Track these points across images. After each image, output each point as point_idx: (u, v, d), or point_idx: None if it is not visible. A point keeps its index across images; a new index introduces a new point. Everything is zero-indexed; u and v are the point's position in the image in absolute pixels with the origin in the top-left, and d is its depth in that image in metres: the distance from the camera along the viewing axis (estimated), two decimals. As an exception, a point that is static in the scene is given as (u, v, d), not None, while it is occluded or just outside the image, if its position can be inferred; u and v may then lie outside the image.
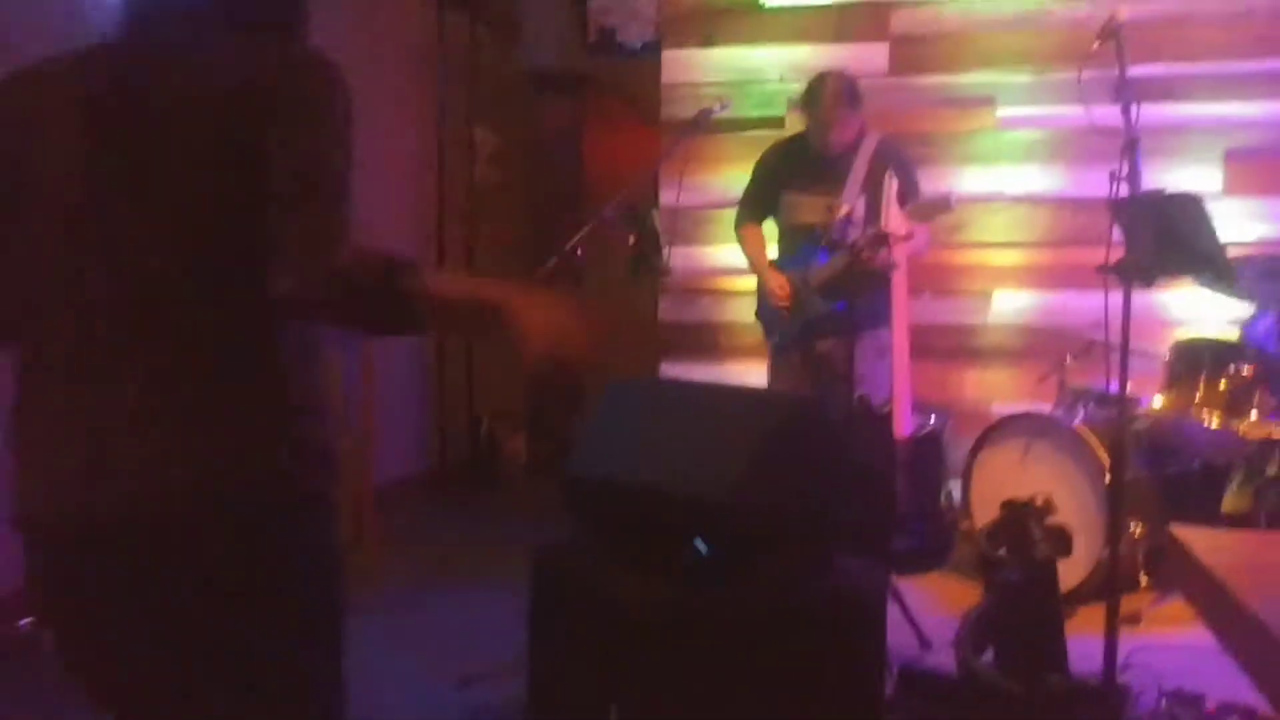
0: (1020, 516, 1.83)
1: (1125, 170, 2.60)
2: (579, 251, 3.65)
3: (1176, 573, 2.03)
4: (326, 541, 1.65)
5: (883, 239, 3.52)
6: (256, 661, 1.53)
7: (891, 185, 3.59)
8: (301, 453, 1.55)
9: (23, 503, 1.55)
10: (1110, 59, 2.98)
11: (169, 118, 1.49)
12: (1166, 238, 2.80)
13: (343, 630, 1.67)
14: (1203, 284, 4.10)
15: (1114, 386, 3.01)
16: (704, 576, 2.49)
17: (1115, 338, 2.77)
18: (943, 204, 3.81)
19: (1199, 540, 1.90)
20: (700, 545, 2.51)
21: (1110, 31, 2.88)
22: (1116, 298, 2.70)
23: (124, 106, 1.51)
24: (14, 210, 1.57)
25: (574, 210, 7.28)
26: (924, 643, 3.47)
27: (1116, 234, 2.78)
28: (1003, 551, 1.88)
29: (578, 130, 7.50)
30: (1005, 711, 2.38)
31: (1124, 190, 2.62)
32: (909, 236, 3.57)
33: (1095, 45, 2.92)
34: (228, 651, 1.51)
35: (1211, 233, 2.99)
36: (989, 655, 2.51)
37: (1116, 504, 2.76)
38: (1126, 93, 2.68)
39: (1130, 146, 2.62)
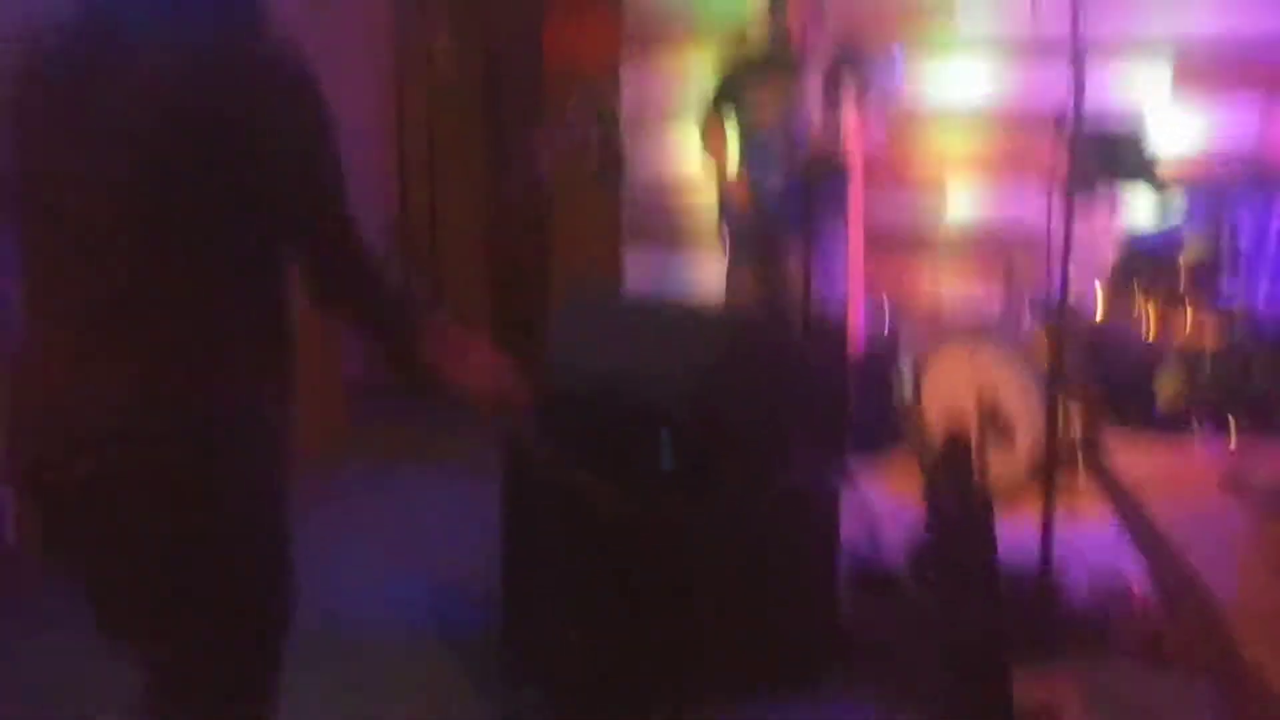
0: (961, 451, 1.95)
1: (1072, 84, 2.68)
2: (545, 162, 3.70)
3: (1101, 479, 2.20)
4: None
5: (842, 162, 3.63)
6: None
7: (848, 96, 3.67)
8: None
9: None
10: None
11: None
12: (1105, 146, 2.91)
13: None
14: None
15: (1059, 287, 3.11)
16: (667, 481, 2.63)
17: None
18: (893, 63, 3.91)
19: (1122, 451, 2.07)
20: (665, 438, 2.64)
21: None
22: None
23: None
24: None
25: (536, 104, 7.26)
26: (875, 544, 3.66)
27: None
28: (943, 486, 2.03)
29: (536, 28, 7.41)
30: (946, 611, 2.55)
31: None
32: (863, 140, 3.68)
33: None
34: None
35: (1145, 142, 3.10)
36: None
37: (1052, 410, 2.90)
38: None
39: (1078, 54, 2.70)
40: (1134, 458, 1.95)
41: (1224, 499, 1.80)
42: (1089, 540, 3.26)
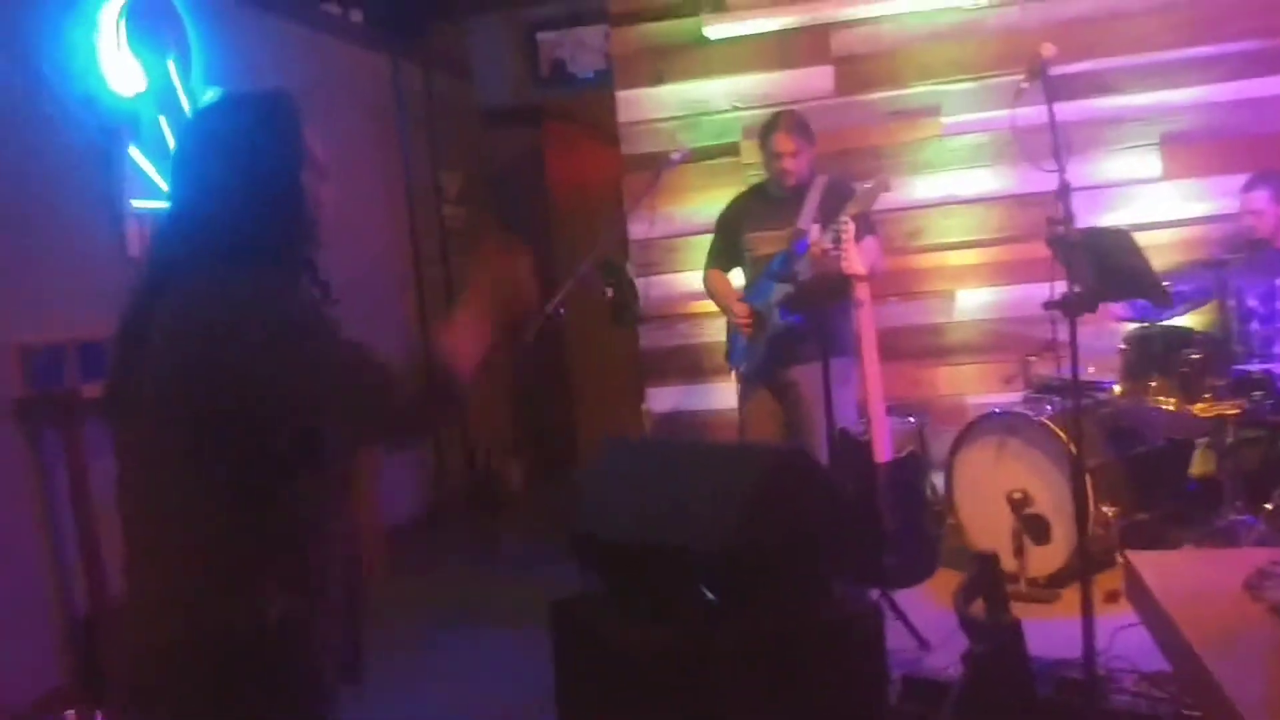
0: (992, 569, 2.01)
1: (1060, 214, 2.80)
2: (560, 310, 3.84)
3: (1131, 592, 2.26)
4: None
5: (834, 282, 3.75)
6: None
7: (849, 229, 3.80)
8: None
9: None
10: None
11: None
12: (1103, 269, 3.01)
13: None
14: (1138, 313, 4.35)
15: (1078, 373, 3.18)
16: (709, 621, 2.69)
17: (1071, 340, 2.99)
18: (878, 186, 4.04)
19: (1148, 565, 2.13)
20: (706, 592, 2.72)
21: (1036, 72, 3.07)
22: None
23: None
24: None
25: (544, 237, 7.49)
26: (924, 644, 3.70)
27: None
28: (976, 607, 2.08)
29: (539, 159, 7.70)
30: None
31: (1061, 231, 2.82)
32: (870, 276, 3.80)
33: (1024, 85, 3.11)
34: None
35: (1143, 260, 3.21)
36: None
37: (1082, 507, 2.96)
38: (1058, 135, 2.87)
39: (1064, 190, 2.83)
40: (1159, 576, 2.00)
41: (1249, 606, 1.86)
42: (1133, 635, 3.28)
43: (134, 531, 1.83)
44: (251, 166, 1.83)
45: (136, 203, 4.56)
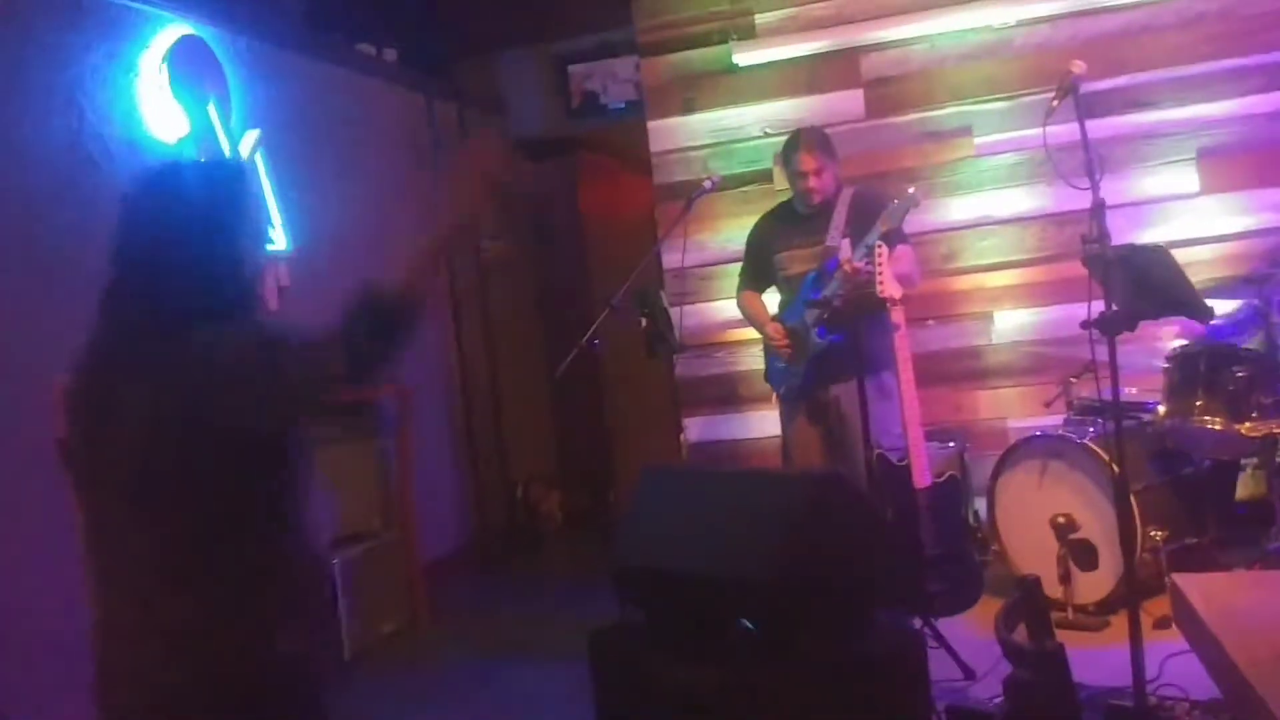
0: (1034, 593, 1.97)
1: (1095, 232, 2.77)
2: (595, 342, 3.85)
3: (1179, 616, 2.21)
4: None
5: (870, 300, 3.73)
6: None
7: (882, 253, 3.78)
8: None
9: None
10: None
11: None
12: (1141, 286, 2.98)
13: None
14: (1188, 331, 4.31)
15: (1120, 393, 3.13)
16: (751, 653, 2.67)
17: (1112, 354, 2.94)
18: (909, 201, 4.01)
19: (1195, 588, 2.09)
20: (746, 624, 2.70)
21: (1067, 89, 3.05)
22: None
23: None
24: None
25: (580, 267, 7.52)
26: (969, 674, 3.65)
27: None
28: (1019, 633, 2.04)
29: (573, 190, 7.73)
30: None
31: (1096, 249, 2.79)
32: (908, 287, 3.78)
33: (1055, 104, 3.09)
34: None
35: (1181, 276, 3.17)
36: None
37: (1128, 531, 2.91)
38: (1091, 152, 2.85)
39: (1098, 207, 2.80)
40: (1206, 599, 1.96)
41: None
42: (1183, 662, 3.22)
43: (121, 577, 1.89)
44: (196, 229, 1.92)
45: (178, 245, 4.61)
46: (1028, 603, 2.08)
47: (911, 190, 4.12)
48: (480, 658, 5.00)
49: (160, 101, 4.61)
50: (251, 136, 5.09)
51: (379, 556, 5.41)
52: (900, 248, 4.16)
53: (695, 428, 5.74)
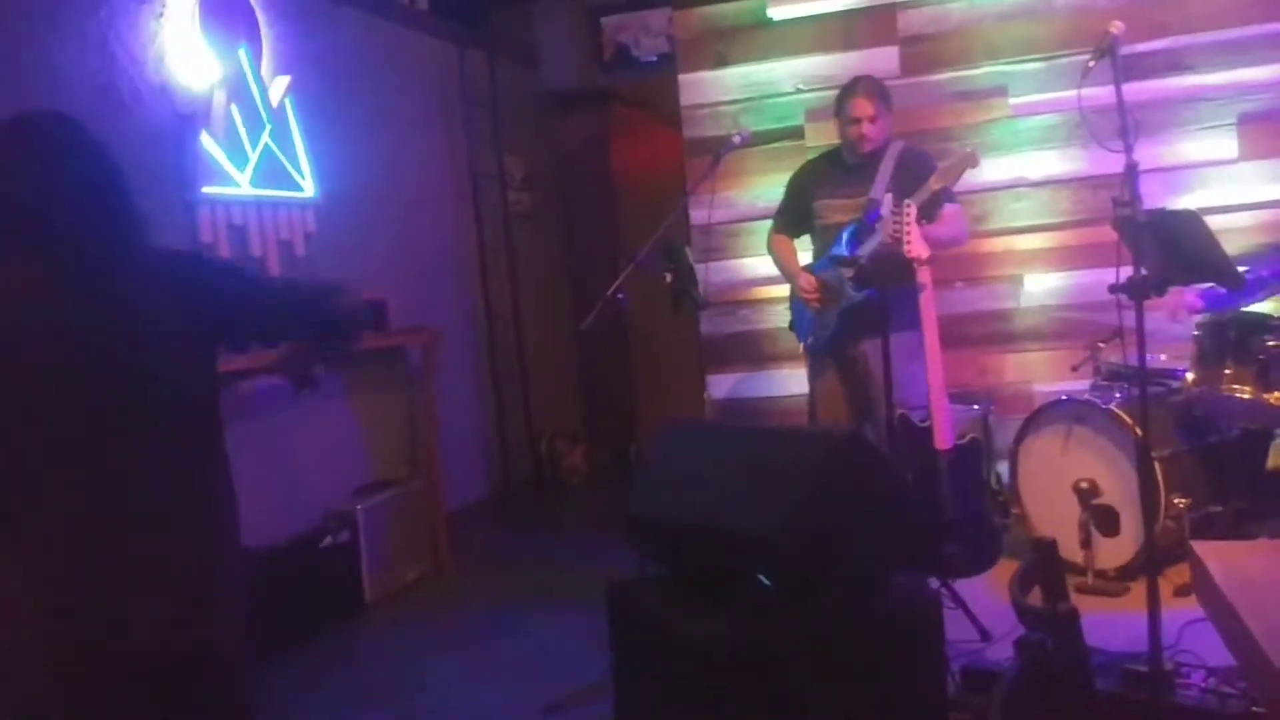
0: (1050, 555, 1.96)
1: (1126, 195, 2.73)
2: (620, 296, 3.84)
3: (1197, 584, 2.20)
4: None
5: (902, 259, 3.69)
6: None
7: (910, 212, 3.73)
8: None
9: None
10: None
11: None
12: (1172, 252, 2.93)
13: None
14: (1210, 303, 4.25)
15: (1147, 359, 3.10)
16: (766, 609, 2.68)
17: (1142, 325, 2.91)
18: (968, 160, 3.94)
19: (1213, 555, 2.07)
20: (763, 579, 2.70)
21: (1105, 50, 3.00)
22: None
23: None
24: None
25: (609, 221, 7.50)
26: (985, 636, 3.65)
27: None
28: (1033, 595, 2.03)
29: (604, 144, 7.70)
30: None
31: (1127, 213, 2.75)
32: (930, 259, 3.73)
33: (1091, 65, 3.04)
34: None
35: (1213, 242, 3.11)
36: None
37: (1150, 497, 2.89)
38: (1126, 114, 2.81)
39: (1130, 171, 2.76)
40: (1224, 568, 1.94)
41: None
42: (1203, 630, 3.21)
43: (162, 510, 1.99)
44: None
45: (208, 189, 4.64)
46: (1043, 565, 2.07)
47: (970, 149, 4.05)
48: (501, 606, 5.05)
49: (191, 46, 4.61)
50: (281, 83, 5.08)
51: (404, 504, 5.46)
52: (949, 206, 4.12)
53: (720, 385, 5.73)
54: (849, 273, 4.14)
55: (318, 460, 5.21)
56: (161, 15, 4.51)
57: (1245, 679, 1.99)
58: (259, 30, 5.03)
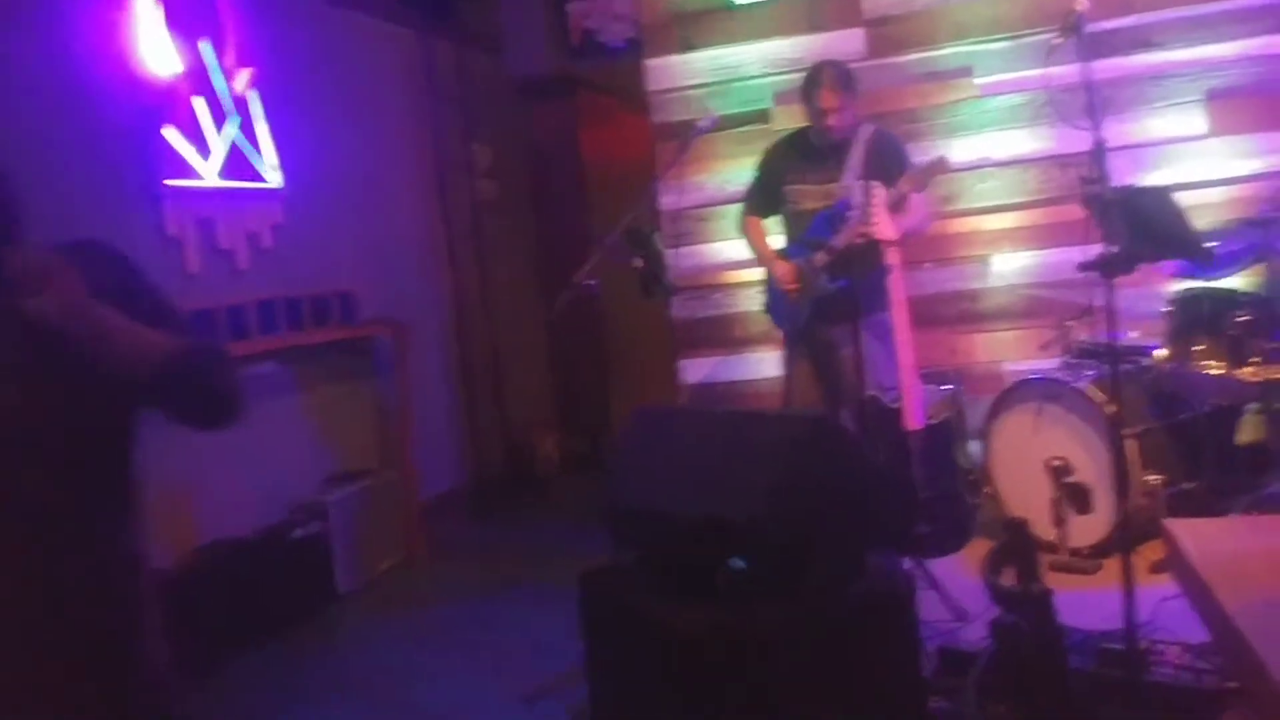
0: (1022, 535, 1.94)
1: (1094, 173, 2.73)
2: (590, 281, 3.81)
3: (1171, 561, 2.20)
4: None
5: (873, 245, 3.69)
6: None
7: (878, 194, 3.73)
8: None
9: None
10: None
11: None
12: (1142, 229, 2.93)
13: None
14: (1181, 271, 4.29)
15: (1118, 336, 3.10)
16: (741, 594, 2.67)
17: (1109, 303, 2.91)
18: (938, 166, 3.95)
19: (1187, 533, 2.07)
20: (737, 563, 2.69)
21: (1070, 28, 2.99)
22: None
23: None
24: None
25: (580, 208, 7.46)
26: (960, 616, 3.65)
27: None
28: (1006, 575, 2.02)
29: (572, 130, 7.65)
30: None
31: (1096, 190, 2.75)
32: (898, 241, 3.73)
33: (1057, 41, 3.03)
34: None
35: (1183, 219, 3.12)
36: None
37: (1121, 474, 2.90)
38: (1093, 92, 2.80)
39: (1098, 148, 2.75)
40: (1197, 545, 1.94)
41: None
42: (1177, 607, 3.22)
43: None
44: None
45: (173, 182, 4.58)
46: (1015, 545, 2.06)
47: (942, 155, 4.04)
48: (475, 596, 5.04)
49: (154, 38, 4.55)
50: (246, 74, 5.02)
51: (376, 494, 5.43)
52: (917, 196, 4.11)
53: (693, 369, 5.71)
54: (823, 259, 4.15)
55: (287, 452, 5.18)
56: (123, 7, 4.44)
57: (1219, 655, 1.99)
58: (222, 21, 4.97)
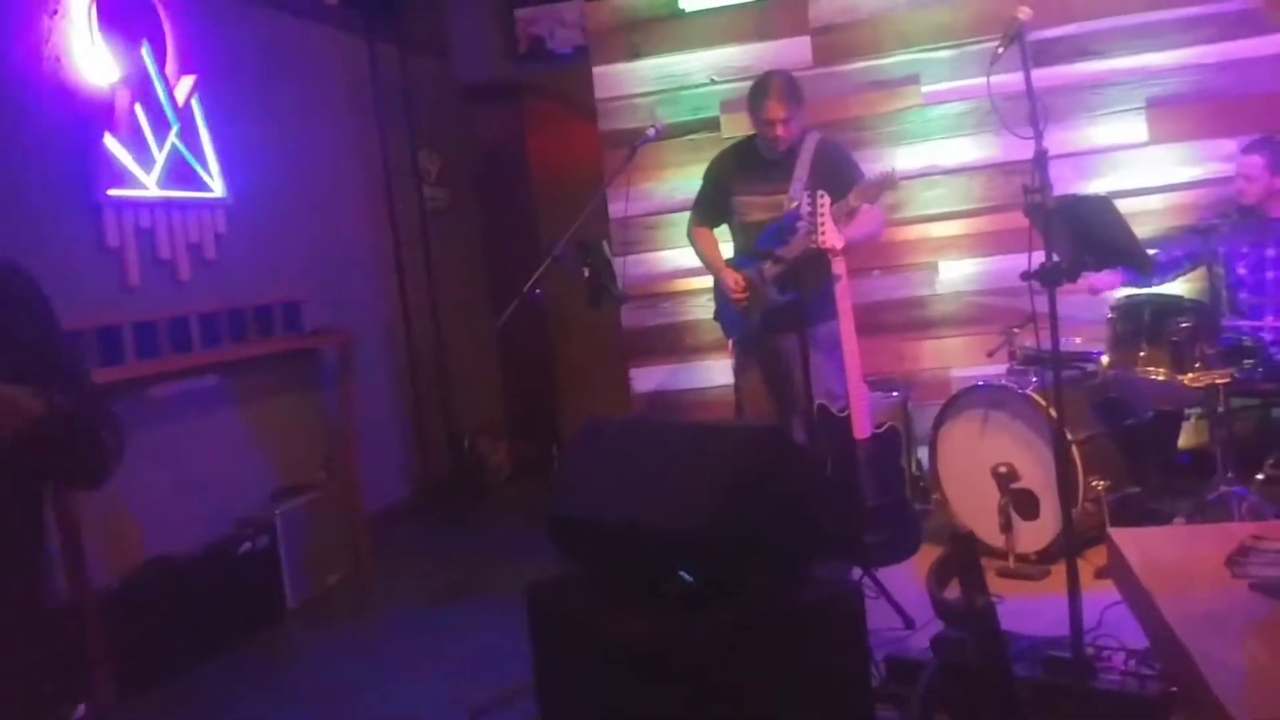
0: (967, 549, 1.95)
1: (1036, 182, 2.74)
2: (537, 290, 3.79)
3: (1115, 570, 2.22)
4: None
5: (821, 255, 3.69)
6: None
7: (824, 203, 3.74)
8: None
9: None
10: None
11: None
12: (1083, 237, 2.96)
13: None
14: (1126, 279, 4.35)
15: (1063, 345, 3.12)
16: (688, 605, 2.65)
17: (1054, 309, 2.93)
18: (886, 181, 3.96)
19: (1130, 542, 2.08)
20: (685, 575, 2.68)
21: (1013, 36, 3.01)
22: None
23: None
24: None
25: (528, 215, 7.42)
26: (909, 623, 3.66)
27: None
28: (951, 588, 2.02)
29: (520, 137, 7.62)
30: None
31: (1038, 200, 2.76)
32: (845, 250, 3.74)
33: (1000, 51, 3.04)
34: None
35: (1123, 226, 3.15)
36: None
37: (1067, 480, 2.92)
38: (1035, 100, 2.82)
39: (1040, 157, 2.77)
40: (1141, 555, 1.96)
41: (1230, 583, 1.81)
42: (1123, 612, 3.25)
43: None
44: None
45: (114, 192, 4.50)
46: (958, 558, 2.07)
47: (890, 170, 4.05)
48: (424, 607, 4.99)
49: (90, 45, 4.47)
50: (187, 82, 4.95)
51: (323, 507, 5.37)
52: (867, 208, 4.11)
53: (644, 378, 5.71)
54: (772, 270, 4.15)
55: (232, 466, 5.10)
56: (55, 13, 4.36)
57: (1160, 661, 2.00)
58: (162, 28, 4.89)
